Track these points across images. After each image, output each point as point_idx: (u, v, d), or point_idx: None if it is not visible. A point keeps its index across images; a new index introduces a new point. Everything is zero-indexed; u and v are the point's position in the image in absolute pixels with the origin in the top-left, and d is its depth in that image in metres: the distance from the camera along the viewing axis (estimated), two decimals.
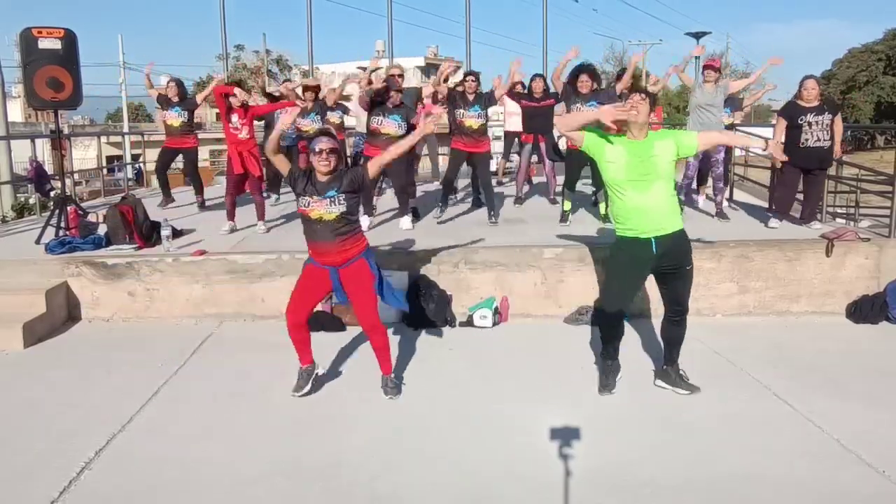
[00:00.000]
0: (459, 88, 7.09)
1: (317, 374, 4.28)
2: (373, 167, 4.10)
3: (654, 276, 4.13)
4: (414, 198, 7.76)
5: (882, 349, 5.06)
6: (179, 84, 8.61)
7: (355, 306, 4.13)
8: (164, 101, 8.52)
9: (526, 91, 8.36)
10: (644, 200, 3.86)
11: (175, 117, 8.43)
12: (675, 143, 3.92)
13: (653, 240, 3.90)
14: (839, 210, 8.60)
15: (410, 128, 6.58)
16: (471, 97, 6.97)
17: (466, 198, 9.07)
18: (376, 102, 6.70)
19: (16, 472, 3.35)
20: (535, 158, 9.03)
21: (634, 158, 3.84)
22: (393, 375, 4.28)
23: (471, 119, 6.98)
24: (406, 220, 7.02)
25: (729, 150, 8.08)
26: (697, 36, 16.54)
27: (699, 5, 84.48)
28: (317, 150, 3.91)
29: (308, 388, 4.19)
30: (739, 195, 9.29)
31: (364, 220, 6.63)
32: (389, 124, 6.66)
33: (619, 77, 8.17)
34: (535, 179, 10.27)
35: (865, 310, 5.58)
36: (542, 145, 8.45)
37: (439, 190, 7.84)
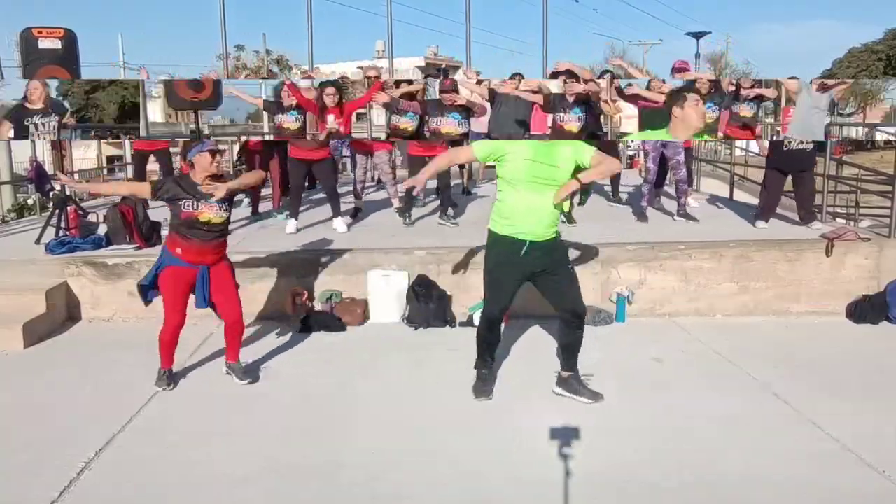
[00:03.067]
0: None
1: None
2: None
3: (533, 283, 4.04)
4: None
5: (882, 349, 5.05)
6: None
7: (224, 301, 4.31)
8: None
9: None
10: (524, 203, 3.81)
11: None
12: (574, 152, 3.82)
13: (528, 242, 3.85)
14: (839, 210, 8.59)
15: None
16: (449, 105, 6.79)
17: (466, 198, 9.07)
18: (431, 104, 6.76)
19: (16, 472, 3.34)
20: None
21: (538, 156, 3.77)
22: (241, 362, 4.49)
23: (449, 126, 6.77)
24: (339, 222, 6.93)
25: (689, 150, 7.97)
26: (697, 36, 16.53)
27: (699, 5, 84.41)
28: (210, 151, 4.10)
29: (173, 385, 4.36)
30: (739, 195, 9.29)
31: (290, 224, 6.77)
32: (449, 123, 6.70)
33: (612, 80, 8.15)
34: None
35: (865, 310, 5.58)
36: None
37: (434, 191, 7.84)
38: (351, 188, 8.22)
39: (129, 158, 17.01)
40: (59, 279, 5.72)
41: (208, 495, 3.16)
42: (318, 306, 5.69)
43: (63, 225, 6.56)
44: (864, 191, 8.29)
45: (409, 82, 7.36)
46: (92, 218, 6.84)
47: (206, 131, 7.67)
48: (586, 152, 3.82)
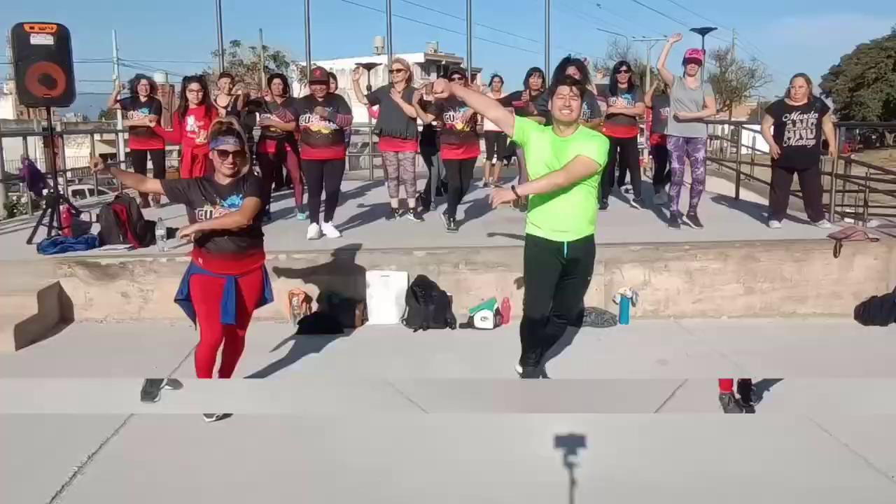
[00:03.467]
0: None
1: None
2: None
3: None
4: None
5: (891, 351, 4.99)
6: (151, 84, 8.41)
7: (240, 317, 3.89)
8: (130, 102, 8.33)
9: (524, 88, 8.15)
10: (556, 200, 3.73)
11: (142, 118, 8.23)
12: (595, 151, 3.68)
13: (565, 244, 3.79)
14: (848, 210, 8.50)
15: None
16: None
17: (467, 198, 8.98)
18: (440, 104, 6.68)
19: (7, 477, 3.29)
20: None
21: (553, 155, 3.71)
22: None
23: (461, 123, 6.72)
24: (330, 228, 6.60)
25: (662, 147, 7.87)
26: (702, 32, 16.43)
27: (705, 1, 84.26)
28: (220, 150, 3.66)
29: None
30: (746, 194, 9.21)
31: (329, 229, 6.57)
32: (460, 118, 6.65)
33: (616, 71, 8.06)
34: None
35: (874, 311, 5.51)
36: None
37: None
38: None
39: (122, 157, 16.94)
40: (51, 280, 5.63)
41: (204, 500, 3.11)
42: (316, 307, 5.60)
43: (55, 224, 6.47)
44: (872, 190, 8.20)
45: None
46: (85, 217, 6.75)
47: (59, 128, 7.57)
48: (587, 153, 3.66)
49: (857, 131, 44.19)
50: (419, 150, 7.92)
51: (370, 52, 35.62)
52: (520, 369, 4.38)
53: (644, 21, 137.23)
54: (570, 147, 3.68)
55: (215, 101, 7.37)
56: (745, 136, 12.41)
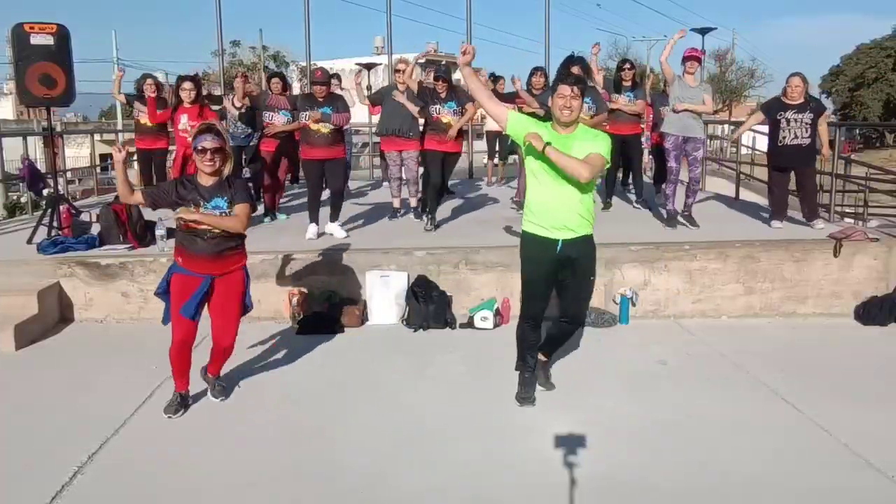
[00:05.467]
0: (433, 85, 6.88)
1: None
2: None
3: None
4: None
5: (891, 351, 4.98)
6: (158, 83, 8.43)
7: (221, 323, 3.90)
8: (136, 98, 8.36)
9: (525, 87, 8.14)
10: (553, 196, 3.68)
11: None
12: (603, 150, 3.64)
13: (560, 241, 3.72)
14: (847, 210, 8.50)
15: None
16: (442, 95, 6.73)
17: (467, 198, 8.99)
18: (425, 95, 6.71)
19: (6, 477, 3.28)
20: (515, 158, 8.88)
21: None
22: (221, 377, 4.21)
23: (447, 116, 6.70)
24: (337, 228, 6.57)
25: (637, 136, 7.90)
26: (703, 32, 16.38)
27: (705, 1, 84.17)
28: (200, 148, 3.64)
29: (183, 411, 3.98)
30: (745, 194, 9.22)
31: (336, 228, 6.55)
32: (447, 112, 6.66)
33: (619, 69, 8.04)
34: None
35: (874, 311, 5.51)
36: None
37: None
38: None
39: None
40: (51, 280, 5.62)
41: (204, 500, 3.10)
42: (315, 307, 5.59)
43: (55, 224, 6.47)
44: (872, 190, 8.21)
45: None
46: (85, 217, 6.74)
47: (59, 128, 7.57)
48: (599, 151, 3.62)
49: (857, 131, 44.19)
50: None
51: (370, 52, 35.64)
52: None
53: (644, 21, 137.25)
54: (574, 144, 3.62)
55: (232, 102, 7.42)
56: (745, 136, 12.39)
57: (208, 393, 4.18)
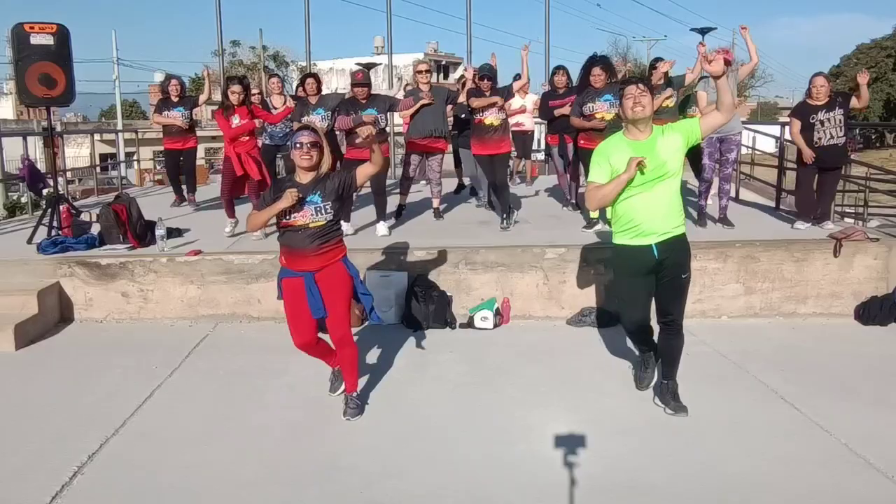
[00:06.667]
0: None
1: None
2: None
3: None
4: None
5: (891, 351, 4.97)
6: (181, 84, 8.60)
7: (329, 316, 3.81)
8: (163, 103, 8.54)
9: (549, 87, 8.01)
10: (642, 204, 3.64)
11: (178, 117, 8.42)
12: (682, 135, 3.61)
13: (654, 246, 3.69)
14: (848, 209, 8.51)
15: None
16: (487, 94, 6.70)
17: (467, 197, 8.98)
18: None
19: (6, 477, 3.28)
20: (540, 157, 8.85)
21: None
22: (356, 394, 3.98)
23: (490, 117, 6.70)
24: (382, 227, 6.58)
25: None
26: (703, 32, 16.34)
27: (704, 0, 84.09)
28: (297, 143, 3.65)
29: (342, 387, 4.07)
30: (746, 194, 9.22)
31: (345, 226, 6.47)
32: (491, 113, 6.66)
33: (652, 67, 7.95)
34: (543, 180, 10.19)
35: (874, 311, 5.50)
36: (570, 146, 7.64)
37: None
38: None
39: (122, 157, 16.90)
40: (51, 280, 5.62)
41: (205, 500, 3.10)
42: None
43: (55, 224, 6.47)
44: (872, 190, 8.22)
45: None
46: (85, 217, 6.74)
47: (59, 128, 7.58)
48: (692, 127, 3.61)
49: (857, 131, 44.11)
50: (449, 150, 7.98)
51: (370, 52, 35.62)
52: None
53: (644, 21, 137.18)
54: (659, 144, 3.58)
55: (269, 100, 7.40)
56: (746, 136, 12.38)
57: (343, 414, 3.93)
